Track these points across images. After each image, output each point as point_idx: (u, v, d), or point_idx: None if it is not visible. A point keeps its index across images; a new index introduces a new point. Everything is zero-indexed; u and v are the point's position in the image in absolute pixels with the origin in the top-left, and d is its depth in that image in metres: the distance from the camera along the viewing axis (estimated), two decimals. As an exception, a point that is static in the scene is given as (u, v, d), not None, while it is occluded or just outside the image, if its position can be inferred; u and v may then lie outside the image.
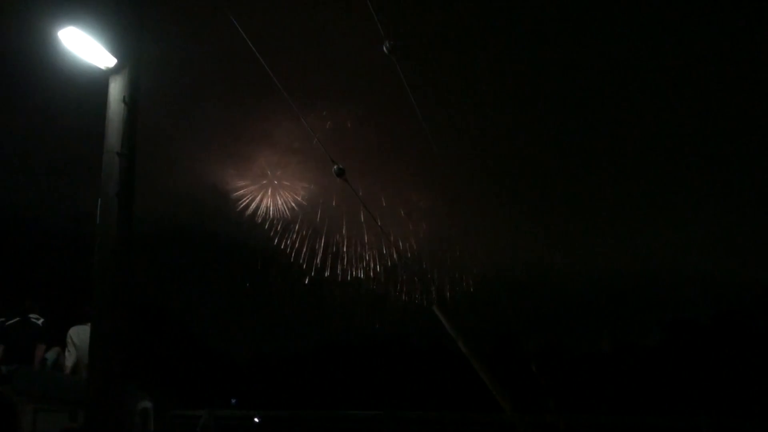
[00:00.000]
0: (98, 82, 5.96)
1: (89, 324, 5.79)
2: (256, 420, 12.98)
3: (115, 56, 5.81)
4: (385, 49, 9.15)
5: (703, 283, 64.75)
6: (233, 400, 51.45)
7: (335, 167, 9.33)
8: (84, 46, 5.64)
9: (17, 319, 8.62)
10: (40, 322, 8.69)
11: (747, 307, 52.51)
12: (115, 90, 5.85)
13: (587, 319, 66.61)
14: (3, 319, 8.64)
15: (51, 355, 8.66)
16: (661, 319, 59.21)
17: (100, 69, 5.87)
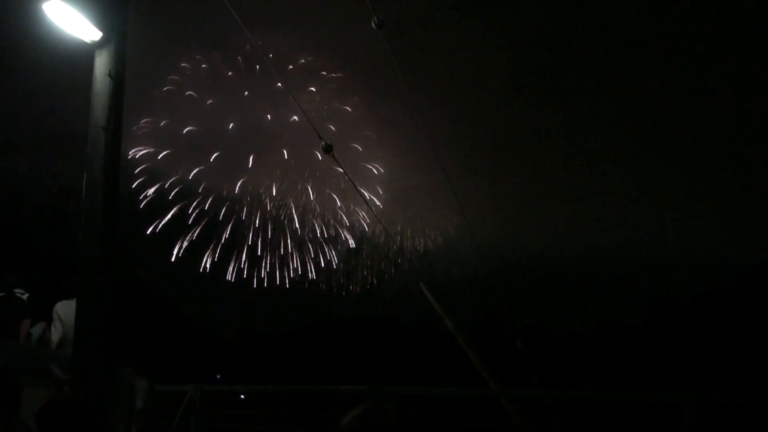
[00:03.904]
0: (84, 56, 5.88)
1: (75, 299, 5.78)
2: (242, 397, 12.99)
3: (101, 30, 5.71)
4: (373, 24, 9.06)
5: (687, 263, 65.40)
6: (218, 376, 51.72)
7: (323, 143, 9.25)
8: (69, 20, 5.55)
9: (2, 293, 8.59)
10: (25, 296, 8.67)
11: (730, 287, 53.07)
12: (101, 64, 5.77)
13: (573, 298, 67.24)
14: (-12, 294, 8.60)
15: (36, 330, 8.63)
16: (645, 299, 59.85)
17: (85, 43, 5.78)
